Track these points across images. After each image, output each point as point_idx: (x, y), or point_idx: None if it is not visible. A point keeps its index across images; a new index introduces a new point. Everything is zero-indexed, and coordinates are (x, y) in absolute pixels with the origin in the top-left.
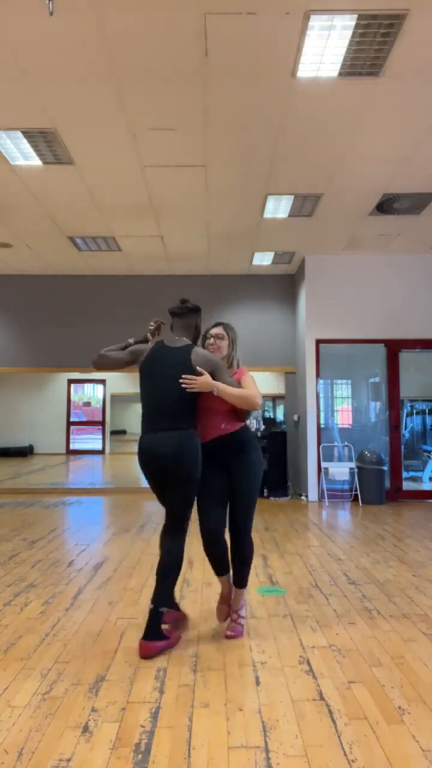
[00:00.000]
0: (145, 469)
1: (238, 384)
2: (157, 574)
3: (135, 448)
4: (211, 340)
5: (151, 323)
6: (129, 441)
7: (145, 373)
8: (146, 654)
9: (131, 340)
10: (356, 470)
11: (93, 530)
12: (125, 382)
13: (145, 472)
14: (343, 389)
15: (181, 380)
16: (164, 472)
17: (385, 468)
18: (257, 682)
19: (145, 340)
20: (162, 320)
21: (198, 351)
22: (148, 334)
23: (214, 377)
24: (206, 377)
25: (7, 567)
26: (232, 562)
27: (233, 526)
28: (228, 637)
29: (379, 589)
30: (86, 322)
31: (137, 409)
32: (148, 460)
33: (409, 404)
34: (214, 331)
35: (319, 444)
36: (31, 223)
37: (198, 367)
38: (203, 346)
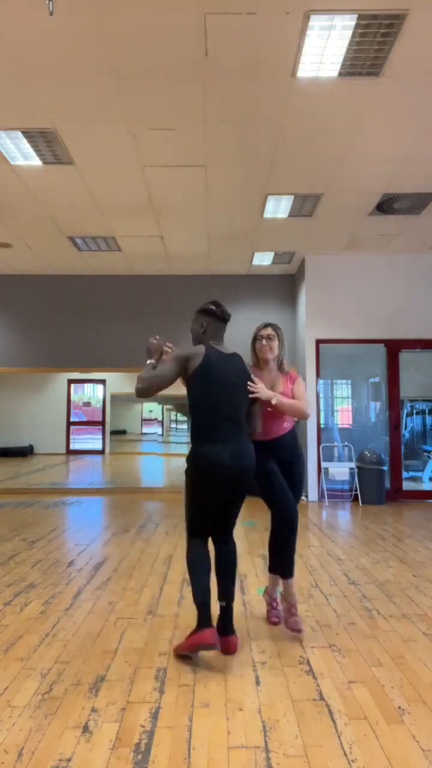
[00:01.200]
0: (215, 481)
1: (291, 389)
2: (224, 574)
3: (136, 448)
4: (263, 342)
5: (166, 347)
6: (129, 441)
7: (205, 378)
8: (234, 649)
9: (151, 362)
10: (356, 470)
11: (93, 530)
12: (125, 382)
13: (213, 485)
14: (343, 389)
15: (249, 387)
16: (237, 483)
17: (385, 468)
18: (257, 682)
19: (158, 355)
20: (170, 345)
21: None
22: (163, 356)
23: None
24: (264, 386)
25: (7, 567)
26: (280, 555)
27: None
28: (296, 631)
29: (379, 589)
30: (86, 322)
31: (137, 409)
32: (221, 472)
33: (409, 404)
34: (265, 332)
35: (319, 444)
36: (31, 223)
37: (253, 376)
38: (252, 349)
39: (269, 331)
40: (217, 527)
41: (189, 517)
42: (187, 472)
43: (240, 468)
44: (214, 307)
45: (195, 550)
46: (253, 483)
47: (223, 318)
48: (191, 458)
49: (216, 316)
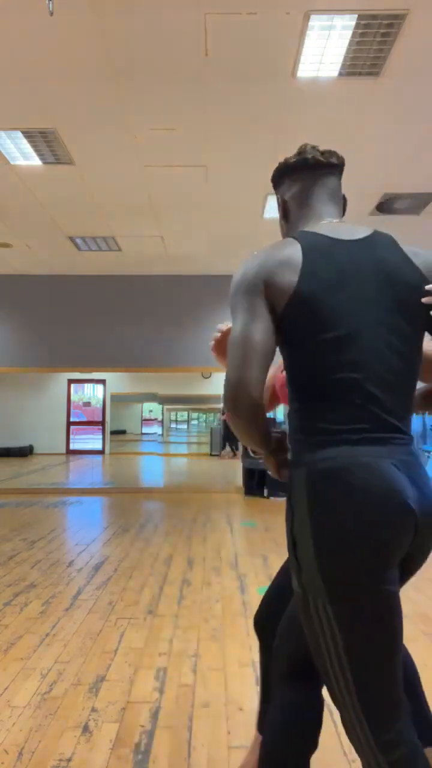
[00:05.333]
0: (394, 541)
1: None
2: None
3: (136, 448)
4: None
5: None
6: (129, 441)
7: (314, 307)
8: None
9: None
10: None
11: (93, 530)
12: (125, 382)
13: (390, 550)
14: None
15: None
16: (418, 537)
17: None
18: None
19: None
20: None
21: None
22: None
23: None
24: None
25: (7, 567)
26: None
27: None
28: None
29: None
30: (86, 322)
31: (137, 409)
32: (403, 517)
33: None
34: None
35: None
36: (31, 223)
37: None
38: None
39: None
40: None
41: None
42: (307, 526)
43: (418, 505)
44: (295, 157)
45: None
46: None
47: (318, 164)
48: (314, 487)
49: (304, 168)
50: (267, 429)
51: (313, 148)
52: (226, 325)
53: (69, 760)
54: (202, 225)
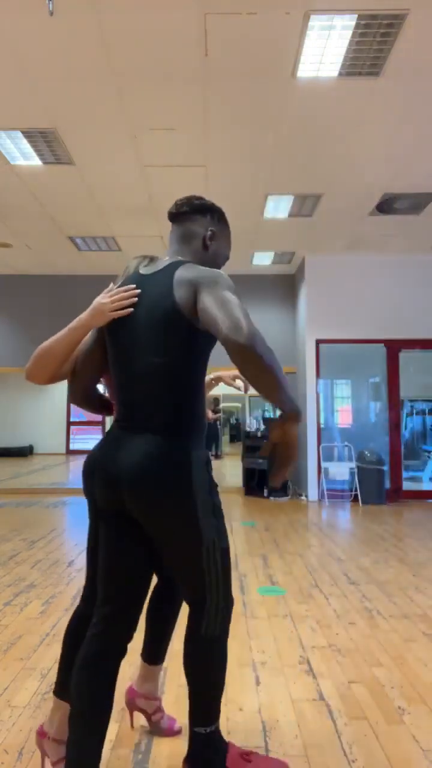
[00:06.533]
0: None
1: None
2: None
3: None
4: None
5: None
6: None
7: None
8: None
9: None
10: (356, 470)
11: None
12: None
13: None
14: (343, 389)
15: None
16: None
17: (385, 468)
18: (257, 682)
19: None
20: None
21: (187, 267)
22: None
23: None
24: None
25: (7, 567)
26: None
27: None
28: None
29: (379, 589)
30: None
31: None
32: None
33: (409, 404)
34: None
35: (319, 444)
36: (31, 223)
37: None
38: None
39: None
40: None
41: (226, 565)
42: (199, 488)
43: None
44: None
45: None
46: None
47: (170, 215)
48: (195, 464)
49: (169, 218)
50: None
51: (175, 203)
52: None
53: None
54: None
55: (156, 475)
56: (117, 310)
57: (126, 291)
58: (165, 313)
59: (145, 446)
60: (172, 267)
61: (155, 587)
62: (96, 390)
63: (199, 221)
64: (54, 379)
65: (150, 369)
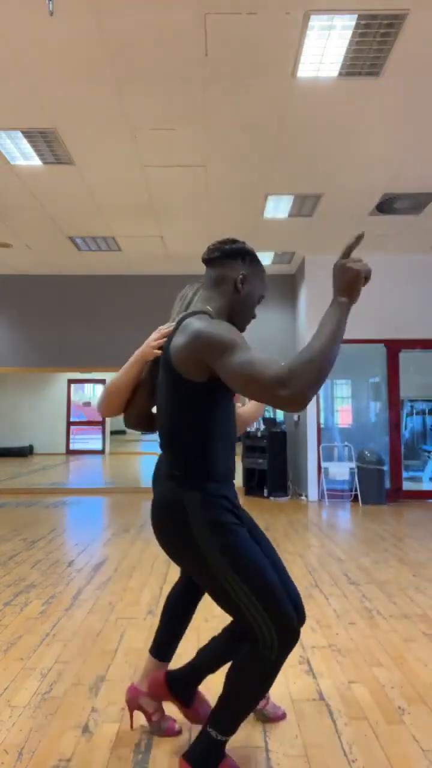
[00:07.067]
0: None
1: None
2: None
3: (135, 448)
4: None
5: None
6: (129, 441)
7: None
8: None
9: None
10: (356, 470)
11: (93, 530)
12: None
13: None
14: (343, 389)
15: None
16: None
17: (385, 468)
18: None
19: None
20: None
21: (187, 324)
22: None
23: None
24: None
25: (7, 567)
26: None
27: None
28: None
29: (379, 589)
30: (86, 322)
31: None
32: None
33: (409, 404)
34: None
35: (319, 444)
36: (31, 223)
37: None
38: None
39: None
40: None
41: (256, 590)
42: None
43: None
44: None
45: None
46: None
47: (203, 261)
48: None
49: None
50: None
51: (208, 248)
52: None
53: (69, 760)
54: (202, 225)
55: (159, 521)
56: (156, 348)
57: (164, 333)
58: (168, 370)
59: (159, 491)
60: (177, 325)
61: (177, 585)
62: (150, 414)
63: (230, 265)
64: (122, 410)
65: (162, 412)
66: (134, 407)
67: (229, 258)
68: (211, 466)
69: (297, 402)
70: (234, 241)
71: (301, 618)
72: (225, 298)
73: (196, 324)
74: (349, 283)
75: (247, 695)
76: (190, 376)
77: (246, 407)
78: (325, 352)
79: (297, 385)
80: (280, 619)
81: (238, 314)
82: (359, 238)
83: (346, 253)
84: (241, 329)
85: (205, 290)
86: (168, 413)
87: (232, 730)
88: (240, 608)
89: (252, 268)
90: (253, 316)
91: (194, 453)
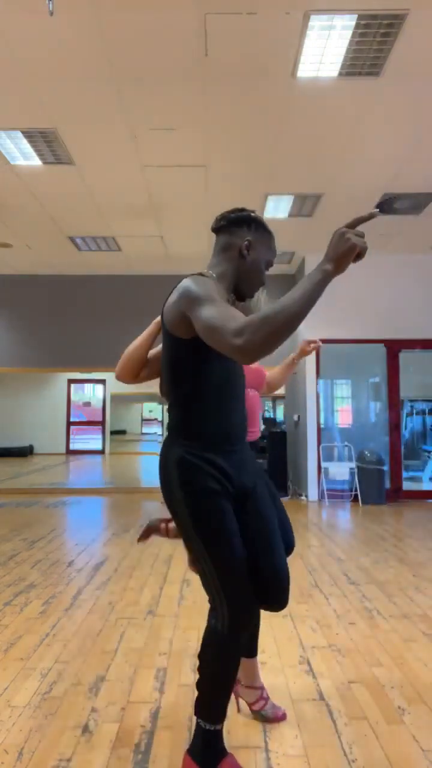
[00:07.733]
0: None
1: None
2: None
3: (135, 448)
4: None
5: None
6: (129, 441)
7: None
8: None
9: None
10: (356, 470)
11: (93, 530)
12: None
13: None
14: (343, 389)
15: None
16: None
17: (385, 468)
18: None
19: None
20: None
21: (179, 284)
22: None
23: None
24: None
25: (7, 567)
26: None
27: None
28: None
29: (379, 589)
30: (86, 322)
31: (137, 409)
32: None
33: (409, 404)
34: None
35: (319, 444)
36: (31, 223)
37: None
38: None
39: None
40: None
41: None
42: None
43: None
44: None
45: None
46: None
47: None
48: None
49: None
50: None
51: (216, 217)
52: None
53: (69, 760)
54: (202, 225)
55: (160, 477)
56: None
57: None
58: (164, 330)
59: (161, 447)
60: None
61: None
62: None
63: (236, 233)
64: (138, 378)
65: (162, 371)
66: (156, 374)
67: (235, 225)
68: (196, 427)
69: (247, 352)
70: (241, 210)
71: (283, 584)
72: (230, 264)
73: (185, 282)
74: (342, 252)
75: (210, 675)
76: (178, 333)
77: (273, 371)
78: (288, 312)
79: (250, 337)
80: (233, 598)
81: (244, 280)
82: (371, 215)
83: (353, 224)
84: (249, 295)
85: (212, 257)
86: (164, 372)
87: (210, 716)
88: (205, 575)
89: (258, 235)
90: (262, 283)
91: (181, 411)
